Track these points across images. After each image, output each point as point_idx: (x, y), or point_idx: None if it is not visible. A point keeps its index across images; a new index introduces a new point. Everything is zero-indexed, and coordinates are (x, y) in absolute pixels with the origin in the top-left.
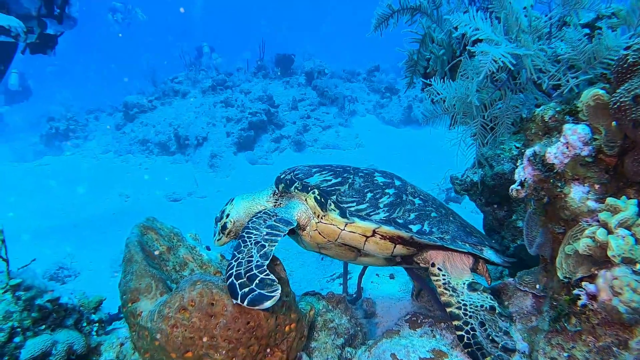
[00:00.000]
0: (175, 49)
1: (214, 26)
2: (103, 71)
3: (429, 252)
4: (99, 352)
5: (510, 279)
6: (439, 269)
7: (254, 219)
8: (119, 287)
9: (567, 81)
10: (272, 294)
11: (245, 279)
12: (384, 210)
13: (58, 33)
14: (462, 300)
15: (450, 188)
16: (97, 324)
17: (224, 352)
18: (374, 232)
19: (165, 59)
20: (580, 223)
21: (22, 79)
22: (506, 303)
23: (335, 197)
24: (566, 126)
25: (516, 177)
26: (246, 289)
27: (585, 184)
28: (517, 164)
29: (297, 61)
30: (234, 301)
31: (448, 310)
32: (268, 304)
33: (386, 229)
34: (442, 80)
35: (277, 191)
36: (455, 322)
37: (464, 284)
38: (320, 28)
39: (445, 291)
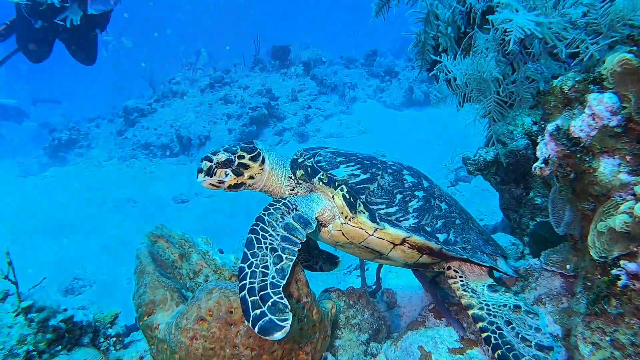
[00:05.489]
0: (172, 50)
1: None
2: (101, 79)
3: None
4: None
5: (534, 260)
6: (455, 271)
7: (271, 210)
8: (133, 300)
9: (587, 47)
10: (283, 324)
11: (258, 297)
12: (413, 216)
13: (101, 12)
14: (484, 300)
15: (459, 167)
16: (114, 339)
17: None
18: (404, 241)
19: (162, 61)
20: (612, 198)
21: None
22: (533, 285)
23: (364, 197)
24: (591, 96)
25: (539, 154)
26: (258, 311)
27: (615, 157)
28: (539, 140)
29: (293, 52)
30: (245, 322)
31: (470, 312)
32: (278, 335)
33: (416, 239)
34: (453, 58)
35: (293, 177)
36: (480, 324)
37: (483, 285)
38: (315, 17)
39: (464, 293)
